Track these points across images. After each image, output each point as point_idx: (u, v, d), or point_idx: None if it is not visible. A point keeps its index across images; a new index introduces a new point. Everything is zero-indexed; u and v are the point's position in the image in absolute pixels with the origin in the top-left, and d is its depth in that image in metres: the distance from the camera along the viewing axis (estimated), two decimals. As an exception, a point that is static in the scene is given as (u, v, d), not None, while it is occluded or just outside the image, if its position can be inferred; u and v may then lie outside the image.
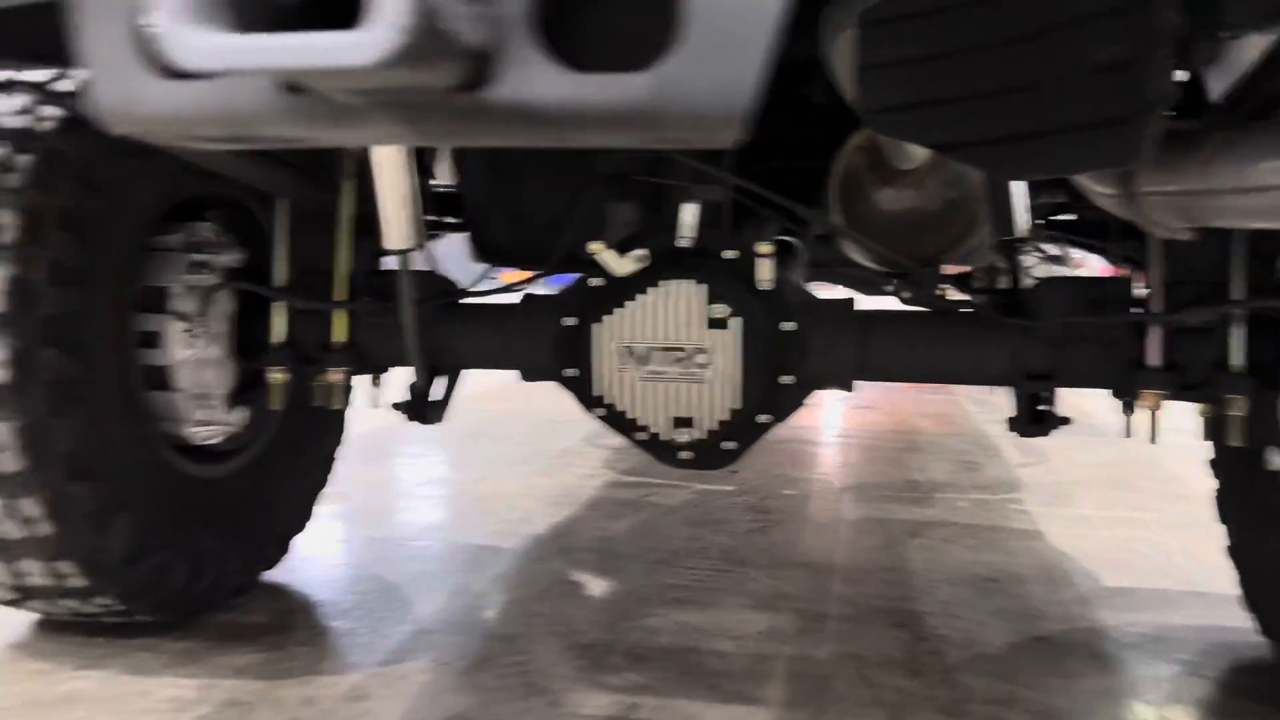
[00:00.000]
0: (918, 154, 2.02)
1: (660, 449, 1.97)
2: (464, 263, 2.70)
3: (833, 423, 5.06)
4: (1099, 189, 1.48)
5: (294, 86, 0.56)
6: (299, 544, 2.47)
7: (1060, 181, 2.58)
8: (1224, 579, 2.08)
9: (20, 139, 1.65)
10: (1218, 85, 1.48)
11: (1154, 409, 1.81)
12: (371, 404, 2.18)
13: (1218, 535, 2.06)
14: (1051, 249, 3.61)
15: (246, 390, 2.09)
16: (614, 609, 2.24)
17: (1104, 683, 1.92)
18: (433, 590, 2.36)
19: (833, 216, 2.02)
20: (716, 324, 1.87)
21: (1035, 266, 5.43)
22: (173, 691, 1.79)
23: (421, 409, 2.08)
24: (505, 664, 1.92)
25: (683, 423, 1.92)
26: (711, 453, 1.95)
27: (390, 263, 2.08)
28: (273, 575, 2.39)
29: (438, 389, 2.14)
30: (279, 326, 2.05)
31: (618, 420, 1.96)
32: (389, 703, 1.76)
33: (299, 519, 2.45)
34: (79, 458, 1.72)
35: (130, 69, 0.58)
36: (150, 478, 1.91)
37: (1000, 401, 2.08)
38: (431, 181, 2.56)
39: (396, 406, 2.09)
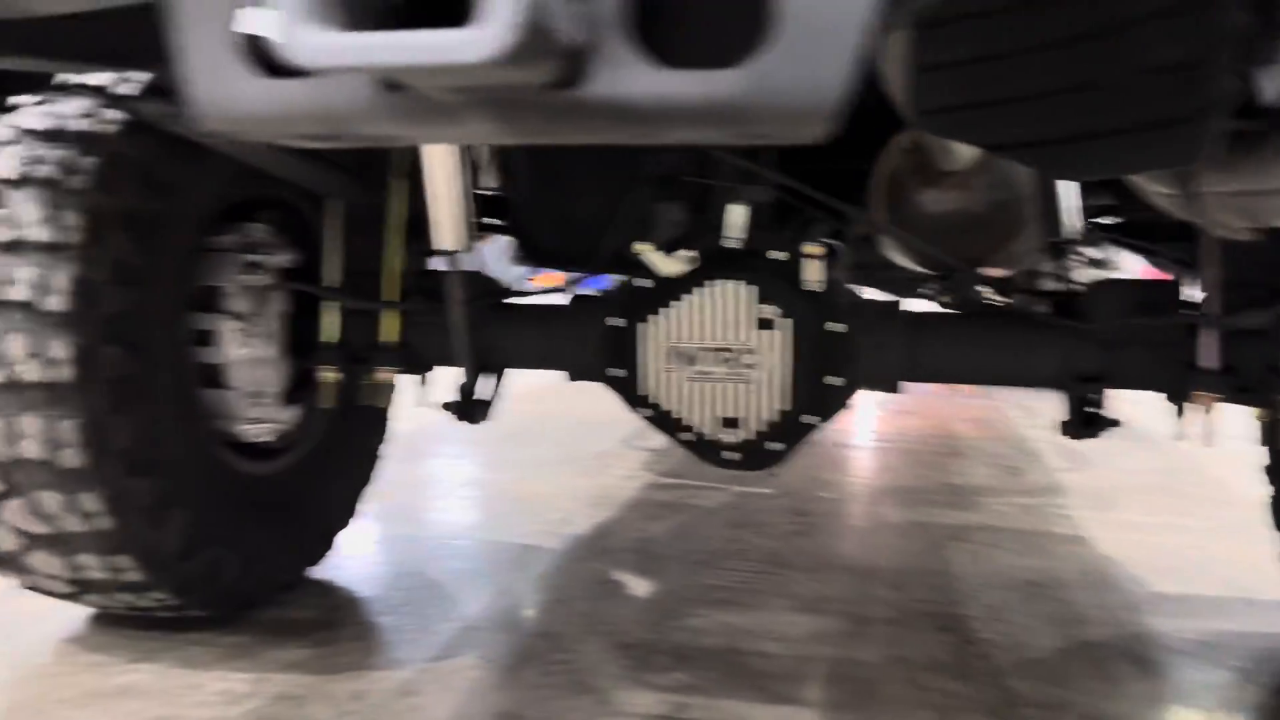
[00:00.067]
0: (964, 155, 2.01)
1: (706, 449, 1.98)
2: (503, 265, 2.73)
3: (871, 427, 5.04)
4: (1156, 189, 1.47)
5: (391, 84, 0.57)
6: (343, 541, 2.50)
7: (1107, 183, 2.57)
8: (1275, 586, 2.05)
9: (84, 142, 1.69)
10: (1270, 86, 1.46)
11: (1207, 412, 1.80)
12: (418, 403, 2.20)
13: (1268, 542, 2.03)
14: (1094, 252, 3.58)
15: (297, 389, 2.12)
16: (657, 609, 2.24)
17: (1154, 688, 1.90)
18: (477, 588, 2.38)
19: (878, 218, 2.02)
20: (764, 325, 1.87)
21: (1075, 270, 5.38)
22: (225, 685, 1.82)
23: (469, 408, 2.10)
24: (552, 662, 1.93)
25: (729, 423, 1.93)
26: (758, 453, 1.95)
27: (439, 263, 2.10)
28: (318, 572, 2.42)
29: (484, 389, 2.15)
30: (330, 326, 2.08)
31: (663, 420, 1.97)
32: (438, 698, 1.77)
33: (345, 516, 2.48)
34: (137, 454, 1.75)
35: (228, 67, 0.59)
36: (204, 474, 1.94)
37: (1042, 407, 2.07)
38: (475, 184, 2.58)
39: (445, 406, 2.11)
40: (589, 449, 4.22)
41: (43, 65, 1.29)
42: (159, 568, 1.84)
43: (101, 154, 1.69)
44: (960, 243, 2.07)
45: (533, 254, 2.51)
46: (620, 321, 1.95)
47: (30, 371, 1.63)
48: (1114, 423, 1.89)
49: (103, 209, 1.68)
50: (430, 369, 2.16)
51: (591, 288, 2.16)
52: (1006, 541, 2.87)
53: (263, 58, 0.61)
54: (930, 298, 3.40)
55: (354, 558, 2.59)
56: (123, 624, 2.07)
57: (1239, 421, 1.85)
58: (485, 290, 2.09)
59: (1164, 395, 1.87)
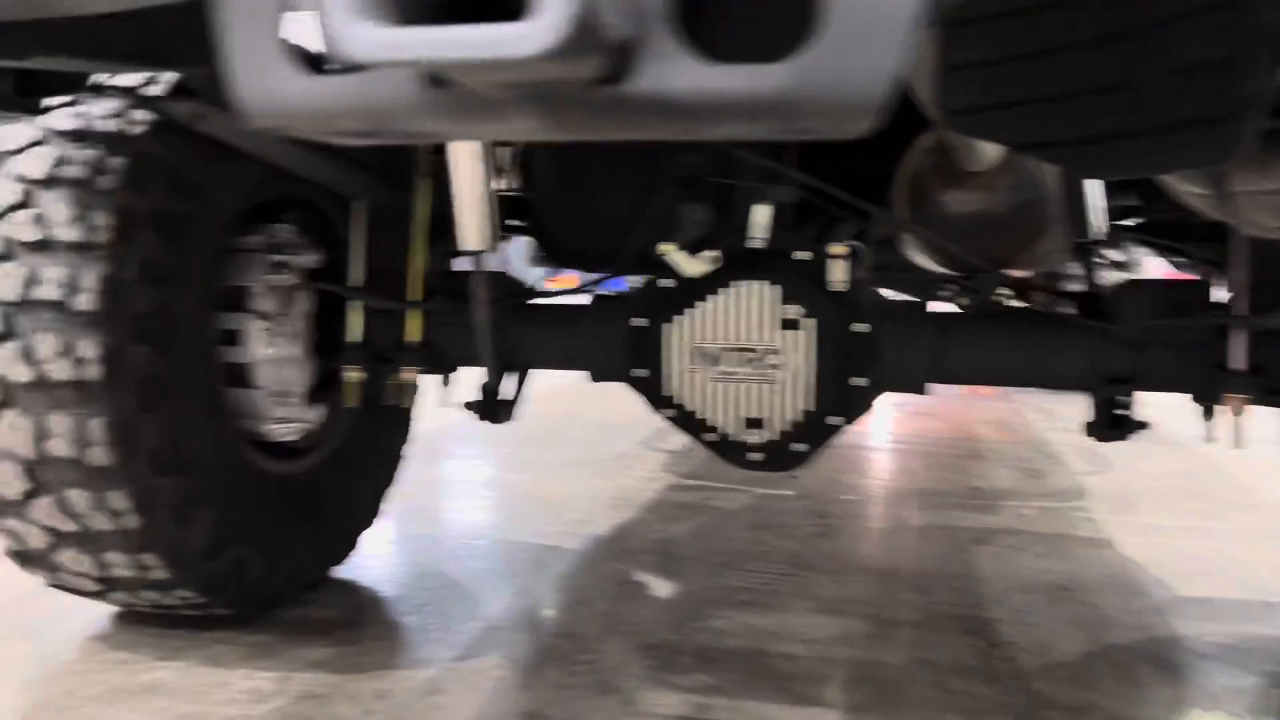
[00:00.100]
0: (988, 156, 2.00)
1: (730, 450, 1.97)
2: (522, 265, 2.74)
3: (889, 429, 5.02)
4: (1189, 189, 1.46)
5: (437, 80, 0.57)
6: (365, 541, 2.51)
7: (1133, 183, 2.55)
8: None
9: (113, 142, 1.70)
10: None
11: (1236, 414, 1.78)
12: (441, 404, 2.20)
13: (1299, 546, 2.02)
14: (1115, 254, 3.56)
15: (322, 388, 2.13)
16: (679, 610, 2.24)
17: (1181, 692, 1.88)
18: (498, 588, 2.38)
19: (906, 217, 2.01)
20: (789, 325, 1.86)
21: (1100, 271, 5.35)
22: (251, 683, 1.83)
23: (492, 408, 2.10)
24: (575, 662, 1.93)
25: (753, 424, 1.92)
26: (782, 454, 1.94)
27: (463, 263, 2.11)
28: (341, 571, 2.43)
29: (506, 389, 2.16)
30: (355, 326, 2.09)
31: (687, 421, 1.97)
32: (463, 697, 1.78)
33: (368, 516, 2.49)
34: (165, 452, 1.76)
35: (273, 64, 0.60)
36: (229, 473, 1.95)
37: (1061, 409, 2.06)
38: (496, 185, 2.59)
39: (468, 406, 2.11)
40: (608, 450, 4.22)
41: (80, 65, 1.30)
42: (185, 566, 1.85)
43: (130, 154, 1.70)
44: (983, 244, 2.06)
45: (554, 255, 2.51)
46: (644, 322, 1.95)
47: (59, 370, 1.64)
48: (1142, 425, 1.87)
49: (131, 209, 1.69)
50: (454, 369, 2.16)
51: (607, 290, 2.16)
52: (1030, 545, 2.85)
53: (308, 55, 0.61)
54: (949, 299, 3.39)
55: (376, 557, 2.60)
56: (147, 622, 2.09)
57: (1268, 425, 1.83)
58: (509, 290, 2.09)
59: (1191, 397, 1.85)
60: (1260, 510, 3.30)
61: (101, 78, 1.72)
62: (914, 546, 2.81)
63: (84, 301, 1.64)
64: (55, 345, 1.64)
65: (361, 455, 2.40)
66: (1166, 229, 2.50)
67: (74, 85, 1.67)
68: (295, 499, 2.17)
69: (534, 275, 2.50)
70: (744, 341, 1.88)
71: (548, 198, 2.44)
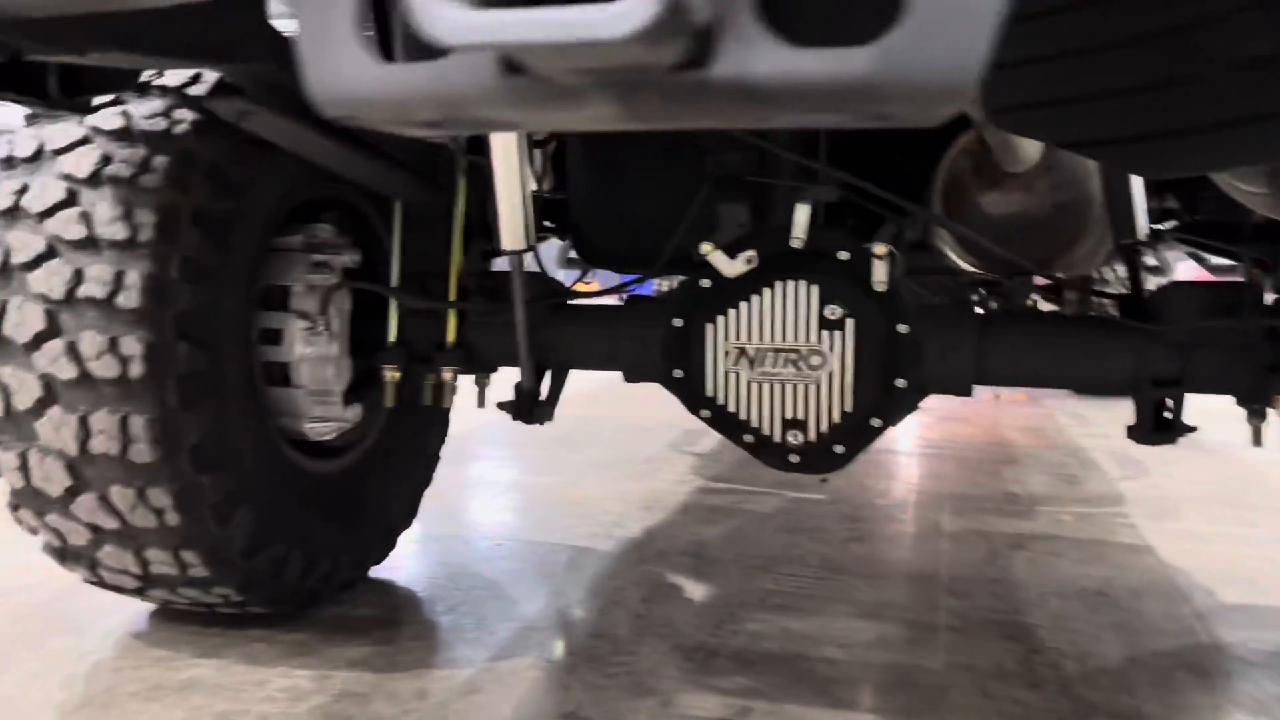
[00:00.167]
0: (1028, 156, 1.98)
1: (768, 451, 1.95)
2: (550, 268, 2.73)
3: (919, 434, 4.98)
4: (1245, 187, 1.43)
5: (513, 67, 0.56)
6: (400, 541, 2.51)
7: (1171, 185, 2.52)
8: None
9: (157, 141, 1.71)
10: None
11: (1287, 418, 1.75)
12: (479, 404, 2.20)
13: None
14: (1150, 258, 3.51)
15: (359, 388, 2.13)
16: (715, 613, 2.22)
17: (1227, 700, 1.85)
18: (533, 589, 2.38)
19: (949, 217, 1.99)
20: (830, 325, 1.85)
21: (1141, 273, 5.28)
22: (289, 681, 1.83)
23: (528, 409, 2.10)
24: (612, 664, 1.92)
25: (793, 425, 1.90)
26: (821, 456, 1.92)
27: (499, 264, 2.11)
28: (376, 571, 2.43)
29: (543, 389, 2.15)
30: (393, 326, 2.09)
31: (725, 422, 1.95)
32: (501, 697, 1.77)
33: (405, 516, 2.49)
34: (206, 450, 1.77)
35: (348, 52, 0.59)
36: (269, 471, 1.96)
37: (1094, 414, 2.03)
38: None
39: (501, 406, 2.11)
40: (636, 453, 4.21)
41: (136, 61, 1.31)
42: (224, 564, 1.86)
43: (174, 153, 1.71)
44: (1023, 246, 2.04)
45: (589, 256, 2.51)
46: (682, 322, 1.94)
47: (103, 368, 1.65)
48: (1190, 428, 1.84)
49: (175, 207, 1.69)
50: (491, 369, 2.16)
51: (635, 293, 2.15)
52: (1067, 550, 2.82)
53: (383, 43, 0.60)
54: (981, 303, 3.35)
55: (410, 557, 2.60)
56: (184, 620, 2.10)
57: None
58: (546, 290, 2.08)
59: (1237, 400, 1.82)
60: (1302, 517, 3.25)
61: (147, 77, 1.73)
62: (949, 551, 2.79)
63: (128, 299, 1.65)
64: (99, 343, 1.65)
65: (399, 455, 2.40)
66: (1212, 230, 2.46)
67: (118, 84, 1.68)
68: (333, 498, 2.17)
69: (562, 278, 2.50)
70: (785, 342, 1.86)
71: (583, 198, 2.44)
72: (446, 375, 2.09)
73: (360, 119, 0.60)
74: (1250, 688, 1.91)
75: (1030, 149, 1.93)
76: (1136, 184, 1.96)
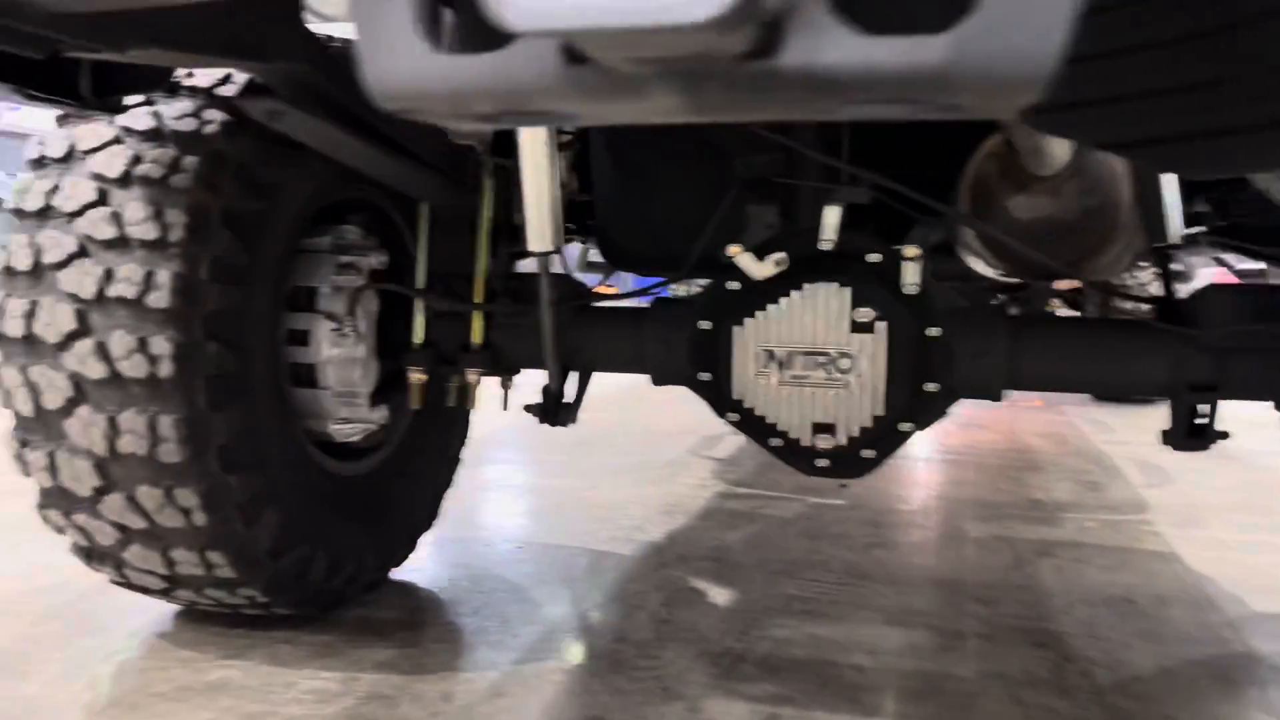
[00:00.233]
0: (1056, 159, 1.96)
1: (796, 455, 1.94)
2: (574, 269, 2.73)
3: (940, 440, 4.95)
4: (1286, 188, 1.41)
5: (575, 57, 0.55)
6: (421, 543, 2.50)
7: (1203, 188, 2.49)
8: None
9: (187, 141, 1.71)
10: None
11: (1326, 423, 1.73)
12: (503, 407, 2.19)
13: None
14: (1176, 265, 3.48)
15: (385, 390, 2.13)
16: (739, 618, 2.21)
17: (1267, 709, 1.82)
18: (555, 592, 2.37)
19: (979, 218, 1.97)
20: (861, 328, 1.83)
21: (1151, 283, 5.25)
22: (316, 683, 1.82)
23: (554, 411, 2.09)
24: (639, 668, 1.91)
25: (822, 429, 1.88)
26: (850, 460, 1.91)
27: (525, 265, 2.10)
28: (398, 573, 2.42)
29: (568, 391, 2.14)
30: (419, 327, 2.09)
31: (753, 425, 1.93)
32: (526, 700, 1.76)
33: (427, 518, 2.48)
34: (234, 450, 1.76)
35: (407, 42, 0.58)
36: (296, 472, 1.95)
37: (1116, 421, 2.01)
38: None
39: (528, 408, 2.10)
40: (657, 457, 4.20)
41: (173, 59, 1.30)
42: (251, 565, 1.85)
43: (204, 154, 1.71)
44: (1051, 250, 2.01)
45: (615, 258, 2.50)
46: (710, 325, 1.92)
47: (132, 367, 1.65)
48: (1223, 434, 1.82)
49: (205, 208, 1.69)
50: (516, 371, 2.15)
51: (655, 296, 2.14)
52: (1094, 557, 2.79)
53: (443, 34, 0.60)
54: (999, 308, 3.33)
55: (432, 560, 2.59)
56: (209, 621, 2.09)
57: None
58: (572, 292, 2.08)
59: (1277, 405, 1.80)
60: (1331, 526, 3.21)
61: (177, 77, 1.73)
62: (974, 558, 2.76)
63: (158, 299, 1.64)
64: (129, 342, 1.65)
65: (422, 456, 2.40)
66: (1247, 233, 2.44)
67: (148, 85, 1.68)
68: (358, 500, 2.17)
69: (586, 280, 2.49)
70: (814, 345, 1.85)
71: (608, 200, 2.43)
72: (471, 377, 2.08)
73: (417, 111, 0.59)
74: (1285, 698, 1.89)
75: (1059, 152, 1.91)
76: (1170, 187, 1.93)
